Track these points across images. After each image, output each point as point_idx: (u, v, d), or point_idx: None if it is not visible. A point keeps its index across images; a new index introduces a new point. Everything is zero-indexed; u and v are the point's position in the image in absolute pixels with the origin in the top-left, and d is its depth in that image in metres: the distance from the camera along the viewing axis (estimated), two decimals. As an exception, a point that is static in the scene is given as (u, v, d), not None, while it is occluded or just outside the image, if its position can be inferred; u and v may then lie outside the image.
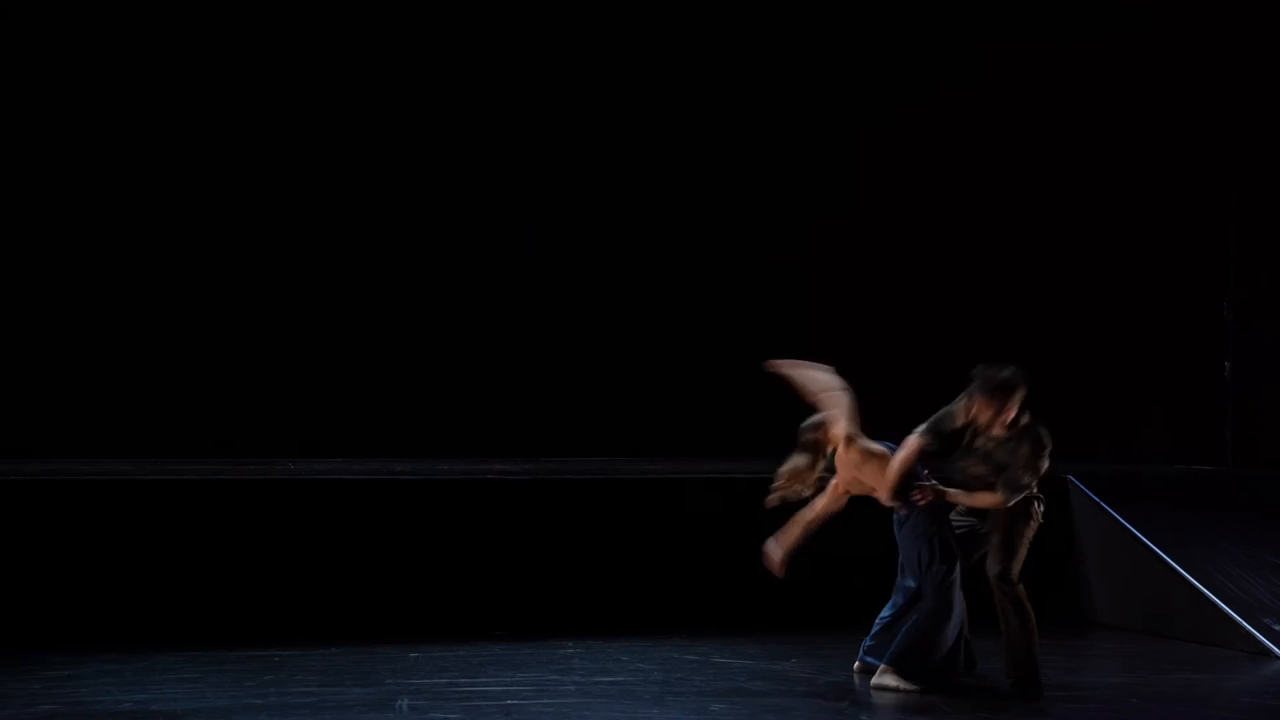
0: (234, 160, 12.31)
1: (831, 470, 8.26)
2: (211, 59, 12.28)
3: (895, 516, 8.23)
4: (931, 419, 8.14)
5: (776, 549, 8.26)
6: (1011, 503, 8.08)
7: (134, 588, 9.35)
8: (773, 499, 8.22)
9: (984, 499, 8.14)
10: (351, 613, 9.58)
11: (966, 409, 8.14)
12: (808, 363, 8.29)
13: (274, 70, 12.35)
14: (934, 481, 8.18)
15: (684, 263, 12.93)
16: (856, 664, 8.49)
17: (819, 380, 8.25)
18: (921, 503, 8.10)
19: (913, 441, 8.09)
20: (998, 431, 8.11)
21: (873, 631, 8.44)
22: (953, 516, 8.29)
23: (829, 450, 8.23)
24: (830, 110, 13.11)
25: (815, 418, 8.22)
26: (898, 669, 8.10)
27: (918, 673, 8.10)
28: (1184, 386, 12.93)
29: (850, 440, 8.16)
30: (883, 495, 8.17)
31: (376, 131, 12.58)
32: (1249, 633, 9.29)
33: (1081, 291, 13.11)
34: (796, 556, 8.17)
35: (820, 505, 8.27)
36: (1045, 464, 8.12)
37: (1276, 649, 9.13)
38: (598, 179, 12.90)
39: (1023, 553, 8.16)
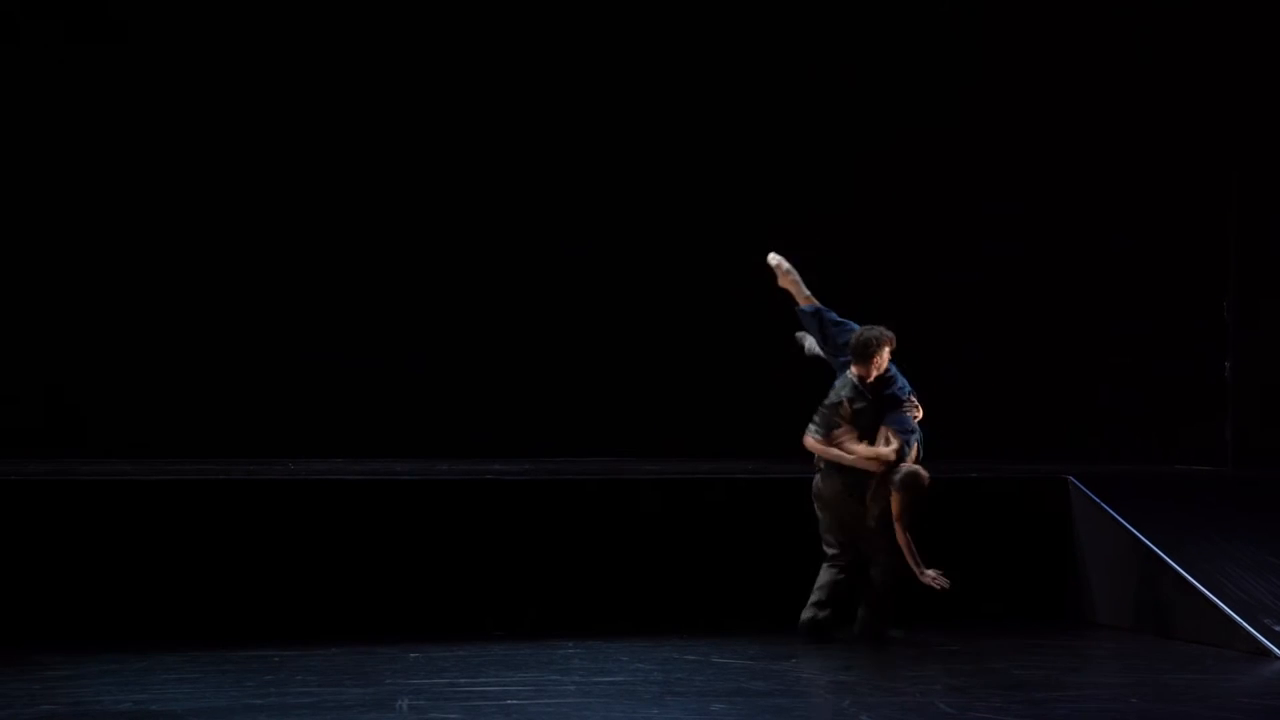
0: (233, 158, 12.30)
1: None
2: (211, 62, 12.28)
3: None
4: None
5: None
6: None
7: (134, 588, 9.35)
8: None
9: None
10: (351, 613, 9.58)
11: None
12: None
13: (282, 72, 12.34)
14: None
15: (685, 263, 12.91)
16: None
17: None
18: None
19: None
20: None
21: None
22: None
23: None
24: (830, 108, 13.09)
25: None
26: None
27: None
28: (1184, 386, 12.91)
29: None
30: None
31: (378, 131, 12.56)
32: (1249, 633, 9.26)
33: (1081, 291, 13.09)
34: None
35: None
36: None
37: (1276, 649, 9.11)
38: (599, 179, 12.88)
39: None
